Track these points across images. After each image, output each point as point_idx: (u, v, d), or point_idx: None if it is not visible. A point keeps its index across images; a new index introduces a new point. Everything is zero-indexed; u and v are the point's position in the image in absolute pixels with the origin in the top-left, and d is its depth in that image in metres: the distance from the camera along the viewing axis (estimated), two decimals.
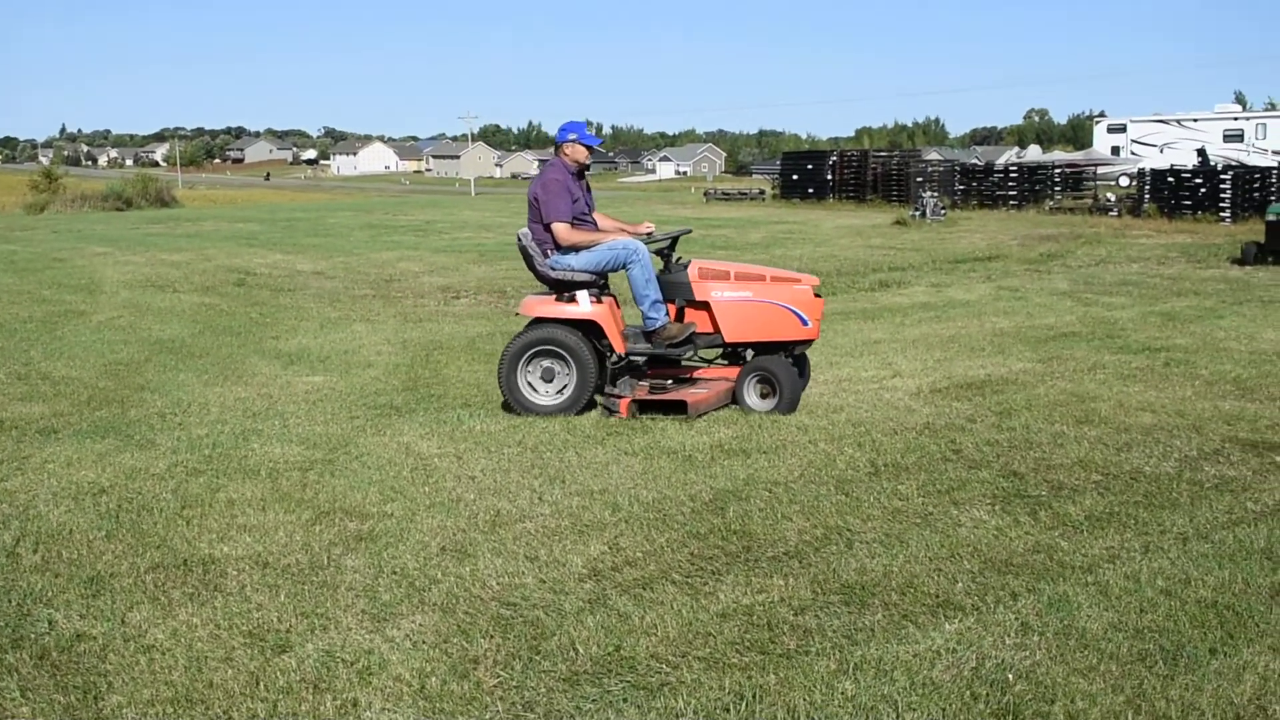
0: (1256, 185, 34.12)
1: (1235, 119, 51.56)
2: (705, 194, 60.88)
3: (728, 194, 60.25)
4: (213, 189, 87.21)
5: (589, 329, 8.80)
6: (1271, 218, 21.25)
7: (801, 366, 9.24)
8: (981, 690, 4.28)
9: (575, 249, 8.88)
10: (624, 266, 8.77)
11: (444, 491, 6.88)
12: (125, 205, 55.16)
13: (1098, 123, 59.24)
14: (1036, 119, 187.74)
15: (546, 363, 8.85)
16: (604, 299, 8.88)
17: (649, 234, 9.15)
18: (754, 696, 4.24)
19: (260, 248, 26.54)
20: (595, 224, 9.16)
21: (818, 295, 8.97)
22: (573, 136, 9.02)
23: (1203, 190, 34.51)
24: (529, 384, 8.90)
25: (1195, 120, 51.42)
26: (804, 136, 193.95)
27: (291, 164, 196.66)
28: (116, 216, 46.48)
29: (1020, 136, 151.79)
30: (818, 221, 36.07)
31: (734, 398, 8.88)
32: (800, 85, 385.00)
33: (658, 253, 9.15)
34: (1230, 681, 4.35)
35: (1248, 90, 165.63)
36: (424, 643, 4.75)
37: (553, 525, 6.22)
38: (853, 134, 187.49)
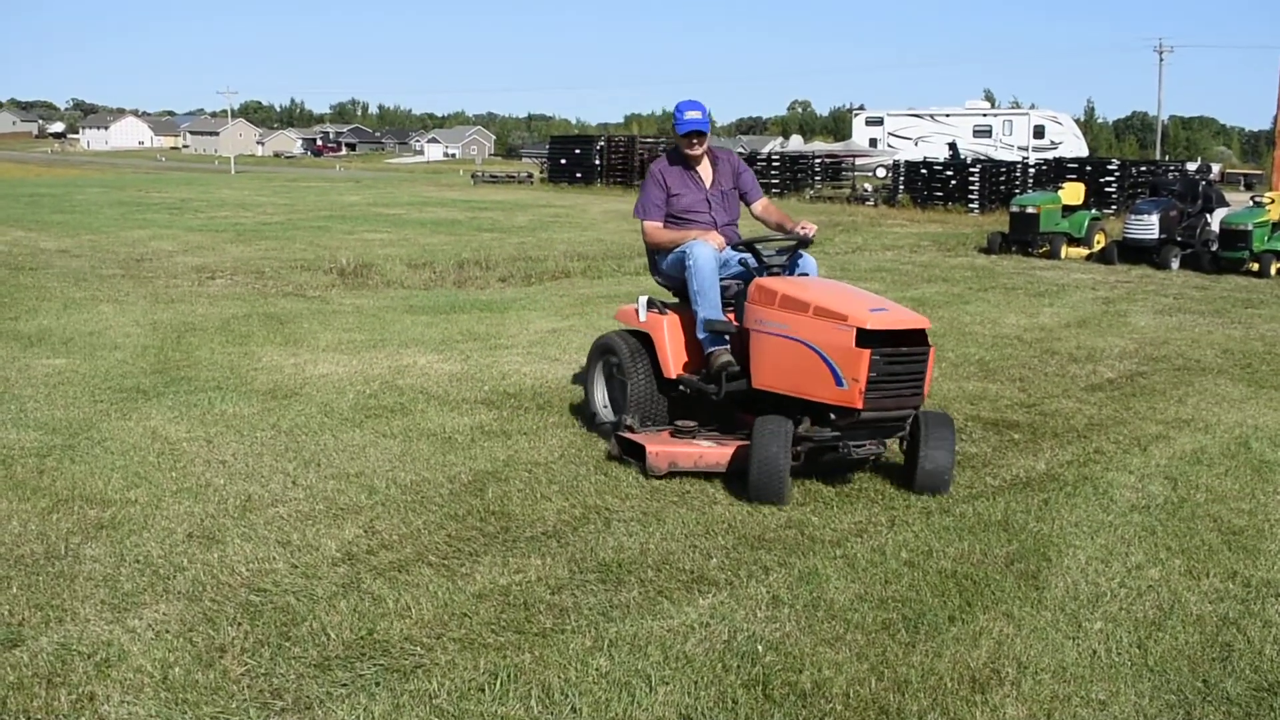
0: (1003, 179, 35.94)
1: (984, 115, 54.16)
2: (473, 176, 60.46)
3: (495, 177, 60.00)
4: None
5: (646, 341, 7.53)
6: (1015, 209, 22.42)
7: (914, 448, 6.64)
8: (733, 662, 4.37)
9: (662, 250, 7.66)
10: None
11: (192, 476, 6.62)
12: None
13: (856, 115, 61.30)
14: (800, 110, 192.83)
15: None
16: (670, 311, 7.50)
17: (804, 235, 7.27)
18: (509, 676, 4.22)
19: None
20: (714, 221, 7.49)
21: (868, 344, 6.20)
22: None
23: (953, 182, 36.16)
24: (604, 392, 7.91)
25: (947, 115, 53.78)
26: (574, 121, 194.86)
27: (37, 137, 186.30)
28: None
29: (784, 127, 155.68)
30: (585, 206, 36.25)
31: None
32: (570, 71, 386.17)
33: (766, 263, 7.15)
34: (967, 646, 4.55)
35: (996, 88, 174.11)
36: (167, 632, 4.57)
37: (306, 509, 6.07)
38: (622, 120, 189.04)
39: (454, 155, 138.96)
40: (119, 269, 17.25)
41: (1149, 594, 5.15)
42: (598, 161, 48.96)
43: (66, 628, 4.61)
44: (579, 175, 49.23)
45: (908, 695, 4.15)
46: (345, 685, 4.16)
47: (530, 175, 58.72)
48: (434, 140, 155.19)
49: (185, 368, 9.75)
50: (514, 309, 13.63)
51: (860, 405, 6.23)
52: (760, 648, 4.49)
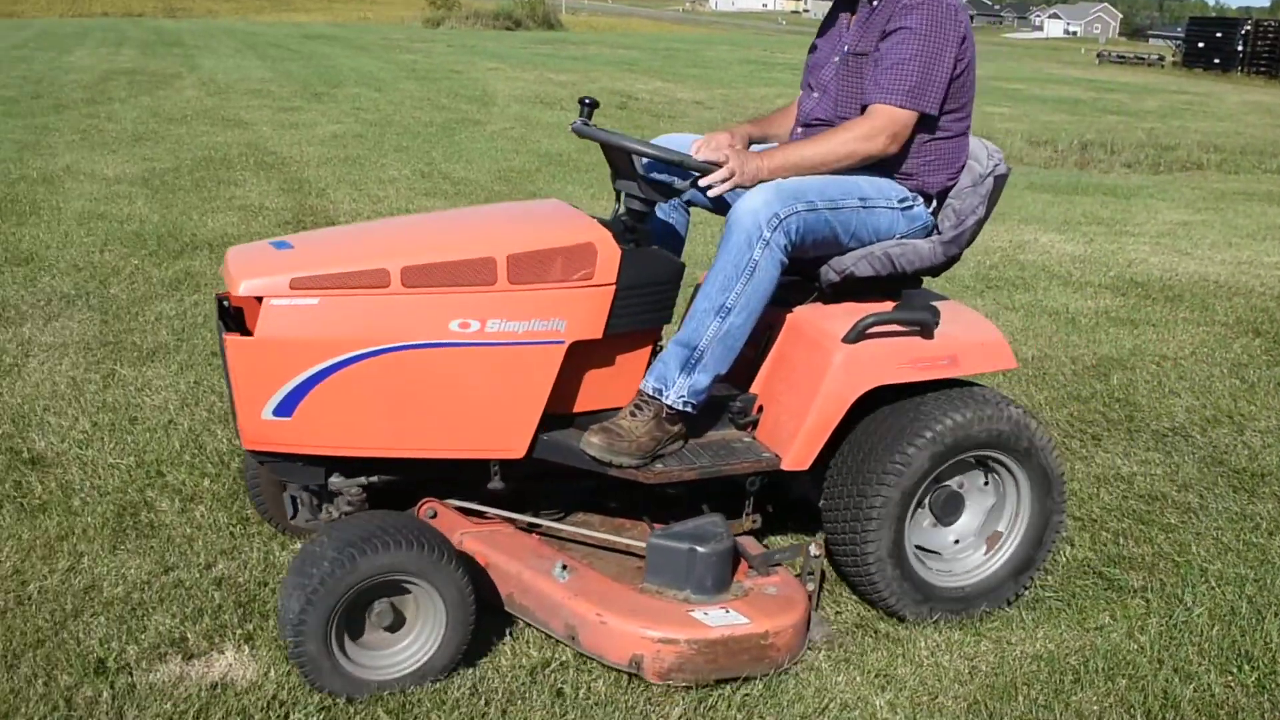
0: None
1: None
2: (1098, 56, 57.65)
3: (1123, 57, 56.85)
4: (594, 15, 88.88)
5: None
6: None
7: None
8: None
9: None
10: None
11: None
12: (514, 25, 57.21)
13: None
14: None
15: None
16: None
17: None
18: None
19: (641, 74, 27.02)
20: (805, 111, 3.93)
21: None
22: None
23: None
24: None
25: None
26: (1211, 3, 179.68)
27: None
28: (506, 35, 48.30)
29: None
30: (1221, 95, 33.55)
31: None
32: None
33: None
34: None
35: None
36: None
37: None
38: (1268, 4, 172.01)
39: (1075, 33, 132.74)
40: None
41: None
42: (1240, 48, 45.14)
43: None
44: (1216, 61, 45.73)
45: None
46: None
47: (1161, 58, 55.06)
48: (1055, 16, 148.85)
49: None
50: (1140, 196, 12.96)
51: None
52: None
